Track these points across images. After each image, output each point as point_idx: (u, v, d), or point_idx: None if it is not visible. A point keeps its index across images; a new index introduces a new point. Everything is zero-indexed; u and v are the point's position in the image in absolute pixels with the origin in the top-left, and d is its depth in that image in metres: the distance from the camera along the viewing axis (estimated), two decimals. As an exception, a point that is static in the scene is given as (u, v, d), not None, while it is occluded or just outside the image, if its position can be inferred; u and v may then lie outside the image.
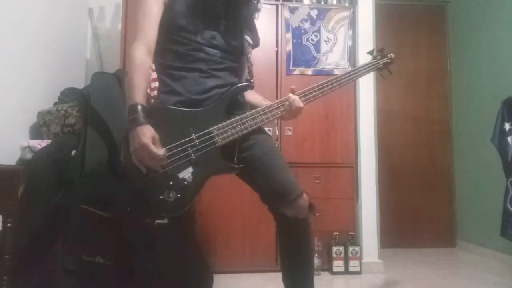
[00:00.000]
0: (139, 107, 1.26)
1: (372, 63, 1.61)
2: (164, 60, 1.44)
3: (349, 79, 1.54)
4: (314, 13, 2.83)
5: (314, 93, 1.46)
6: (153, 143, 1.23)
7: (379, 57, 1.62)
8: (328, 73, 2.78)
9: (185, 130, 1.33)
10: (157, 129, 1.27)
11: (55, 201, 1.86)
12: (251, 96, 1.56)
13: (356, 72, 1.56)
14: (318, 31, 2.82)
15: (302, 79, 2.75)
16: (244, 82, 1.46)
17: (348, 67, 2.80)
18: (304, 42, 2.81)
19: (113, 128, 2.07)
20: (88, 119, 2.12)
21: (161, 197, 1.28)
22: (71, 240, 1.74)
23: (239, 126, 1.36)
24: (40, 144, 2.04)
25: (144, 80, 1.31)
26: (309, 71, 2.79)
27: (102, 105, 2.11)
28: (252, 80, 1.51)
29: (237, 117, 1.37)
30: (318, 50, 2.81)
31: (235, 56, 1.47)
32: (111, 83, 2.27)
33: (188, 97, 1.37)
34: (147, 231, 1.89)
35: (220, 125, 1.35)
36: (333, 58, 2.81)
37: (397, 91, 3.60)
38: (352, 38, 2.85)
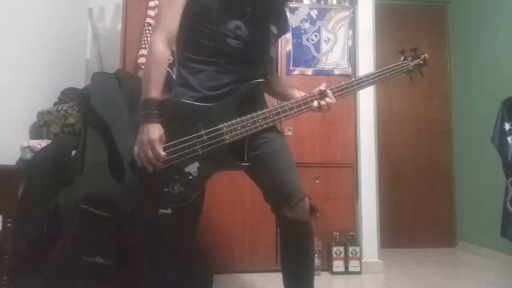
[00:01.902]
0: (154, 102, 1.28)
1: (401, 64, 1.50)
2: (185, 52, 1.43)
3: (372, 82, 1.46)
4: (314, 13, 2.83)
5: (341, 93, 1.44)
6: (160, 142, 1.26)
7: (410, 58, 1.52)
8: (328, 73, 2.78)
9: (195, 125, 1.33)
10: (168, 122, 1.30)
11: (55, 201, 1.86)
12: (286, 89, 1.57)
13: (381, 75, 1.46)
14: (318, 31, 2.82)
15: (302, 79, 2.75)
16: (259, 79, 1.41)
17: (348, 67, 2.80)
18: (304, 42, 2.81)
19: (113, 128, 2.07)
20: (88, 119, 2.12)
21: (166, 189, 1.31)
22: (71, 240, 1.74)
23: (249, 125, 1.34)
24: (40, 144, 2.05)
25: (161, 74, 1.33)
26: (309, 71, 2.78)
27: (102, 105, 2.11)
28: (268, 76, 1.49)
29: (248, 116, 1.35)
30: (318, 50, 2.81)
31: (258, 47, 1.43)
32: (111, 83, 2.27)
33: (203, 93, 1.36)
34: (147, 230, 1.89)
35: (230, 122, 1.33)
36: (333, 58, 2.81)
37: (397, 91, 3.60)
38: (352, 38, 2.85)
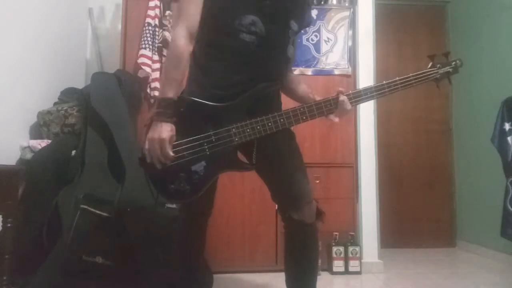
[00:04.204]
0: (170, 102, 1.28)
1: (429, 72, 1.39)
2: (198, 47, 1.39)
3: (395, 90, 1.36)
4: (314, 13, 2.82)
5: (357, 99, 1.38)
6: (169, 142, 1.26)
7: (439, 65, 1.39)
8: (328, 73, 2.78)
9: (205, 124, 1.32)
10: (179, 120, 1.29)
11: (55, 201, 1.86)
12: (300, 88, 1.52)
13: (405, 82, 1.35)
14: (318, 31, 2.82)
15: (302, 79, 2.73)
16: (272, 82, 1.37)
17: (348, 67, 2.79)
18: (304, 42, 2.80)
19: (113, 128, 2.08)
20: (88, 119, 2.13)
21: (172, 186, 1.32)
22: (71, 240, 1.74)
23: (258, 127, 1.31)
24: (40, 144, 2.05)
25: (180, 73, 1.31)
26: (309, 71, 2.78)
27: (102, 105, 2.12)
28: (282, 77, 1.44)
29: (258, 118, 1.31)
30: (318, 50, 2.81)
31: (274, 45, 1.36)
32: (111, 83, 2.27)
33: (214, 92, 1.34)
34: (147, 230, 1.90)
35: (239, 124, 1.31)
36: (333, 58, 2.81)
37: (397, 91, 3.60)
38: (352, 38, 2.84)
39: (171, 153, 1.27)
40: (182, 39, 1.30)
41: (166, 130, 1.26)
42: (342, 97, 1.35)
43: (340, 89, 1.37)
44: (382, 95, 1.39)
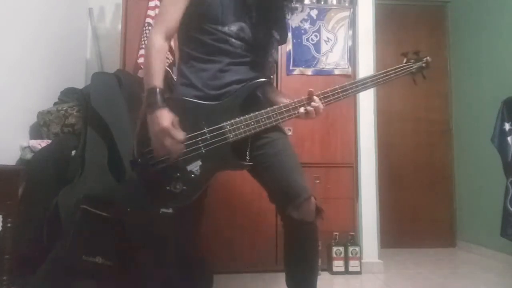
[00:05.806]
0: (158, 90, 1.27)
1: (405, 66, 1.53)
2: (187, 49, 1.43)
3: (377, 83, 1.47)
4: (314, 13, 2.83)
5: (336, 95, 1.42)
6: (173, 126, 1.25)
7: (412, 60, 1.54)
8: (328, 73, 2.78)
9: (198, 123, 1.33)
10: None
11: (55, 201, 1.86)
12: (271, 93, 1.53)
13: (385, 76, 1.48)
14: (318, 31, 2.82)
15: (302, 79, 2.74)
16: (263, 79, 1.42)
17: (348, 67, 2.80)
18: (304, 42, 2.81)
19: (113, 128, 2.08)
20: (88, 119, 2.13)
21: (168, 187, 1.30)
22: (71, 240, 1.74)
23: (252, 123, 1.33)
24: (40, 144, 2.05)
25: (162, 65, 1.33)
26: (309, 71, 2.78)
27: (102, 105, 2.12)
28: (272, 77, 1.52)
29: (252, 114, 1.34)
30: (318, 50, 2.81)
31: (260, 51, 1.44)
32: (111, 83, 2.27)
33: (206, 92, 1.36)
34: (148, 230, 1.90)
35: (233, 121, 1.33)
36: (333, 58, 2.81)
37: (397, 91, 3.60)
38: (352, 38, 2.85)
39: (181, 136, 1.25)
40: (159, 37, 1.33)
41: (164, 117, 1.24)
42: (314, 98, 1.40)
43: (311, 89, 1.41)
44: (366, 88, 1.48)
